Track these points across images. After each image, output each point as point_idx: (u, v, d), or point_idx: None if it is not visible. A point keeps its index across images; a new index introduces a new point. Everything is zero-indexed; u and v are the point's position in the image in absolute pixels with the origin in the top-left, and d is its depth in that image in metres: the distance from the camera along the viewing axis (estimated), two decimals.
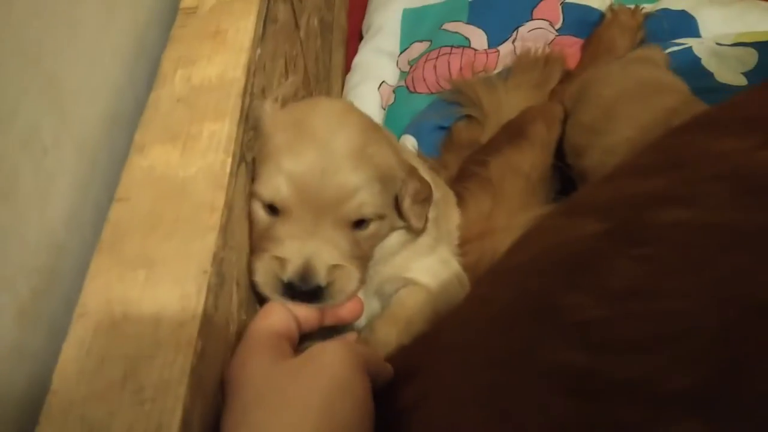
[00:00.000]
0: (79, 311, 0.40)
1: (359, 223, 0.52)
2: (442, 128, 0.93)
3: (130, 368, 0.38)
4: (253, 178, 0.53)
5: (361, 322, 0.59)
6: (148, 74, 0.57)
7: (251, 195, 0.52)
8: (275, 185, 0.50)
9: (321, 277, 0.49)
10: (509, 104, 0.89)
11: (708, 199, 0.26)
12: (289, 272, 0.49)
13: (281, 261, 0.50)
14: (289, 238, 0.50)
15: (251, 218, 0.52)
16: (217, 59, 0.54)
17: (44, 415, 0.36)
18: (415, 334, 0.54)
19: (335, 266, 0.50)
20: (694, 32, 0.96)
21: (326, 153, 0.50)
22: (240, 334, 0.46)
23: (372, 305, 0.59)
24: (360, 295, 0.54)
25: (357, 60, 1.08)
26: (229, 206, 0.45)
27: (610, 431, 0.25)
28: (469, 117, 0.92)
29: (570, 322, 0.28)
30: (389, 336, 0.55)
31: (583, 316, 0.27)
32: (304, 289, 0.49)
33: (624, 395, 0.24)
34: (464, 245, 0.66)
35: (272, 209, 0.51)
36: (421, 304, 0.57)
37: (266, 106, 0.54)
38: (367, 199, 0.50)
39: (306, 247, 0.50)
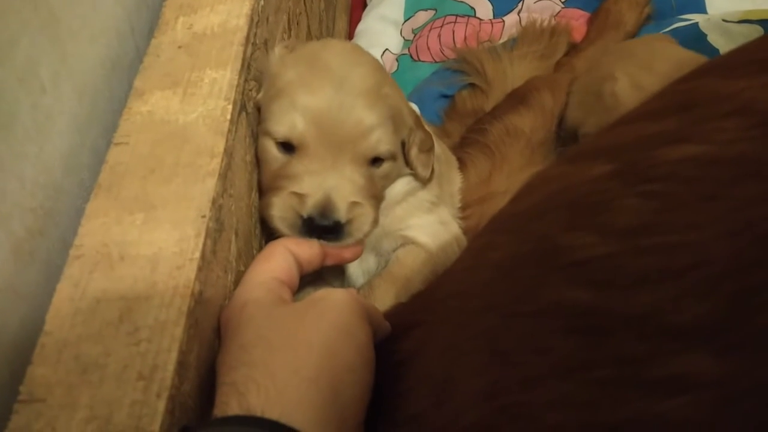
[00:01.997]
0: (74, 252, 0.40)
1: (374, 162, 0.51)
2: (446, 96, 0.92)
3: (125, 309, 0.37)
4: (260, 120, 0.52)
5: (359, 279, 0.58)
6: (150, 22, 0.57)
7: (262, 134, 0.51)
8: (291, 121, 0.49)
9: (342, 213, 0.48)
10: (514, 74, 0.89)
11: (718, 135, 0.25)
12: (309, 207, 0.48)
13: (300, 197, 0.48)
14: (308, 174, 0.49)
15: (263, 158, 0.51)
16: (220, 8, 0.53)
17: (37, 354, 0.36)
18: (413, 294, 0.54)
19: (354, 203, 0.49)
20: (701, 8, 0.95)
21: (342, 89, 0.49)
22: (237, 284, 0.45)
23: (369, 261, 0.58)
24: None
25: (360, 27, 1.07)
26: (229, 153, 0.45)
27: (614, 367, 0.24)
28: (472, 86, 0.91)
29: (573, 261, 0.27)
30: (387, 294, 0.55)
31: (587, 254, 0.27)
32: (323, 224, 0.48)
33: (629, 330, 0.24)
34: (465, 209, 0.66)
35: (286, 147, 0.50)
36: (419, 264, 0.57)
37: (276, 49, 0.54)
38: (383, 137, 0.50)
39: (325, 181, 0.48)
